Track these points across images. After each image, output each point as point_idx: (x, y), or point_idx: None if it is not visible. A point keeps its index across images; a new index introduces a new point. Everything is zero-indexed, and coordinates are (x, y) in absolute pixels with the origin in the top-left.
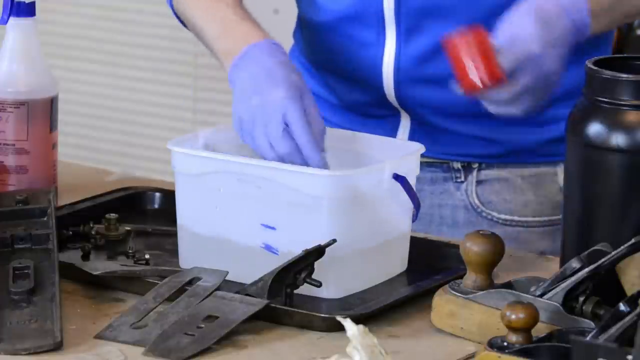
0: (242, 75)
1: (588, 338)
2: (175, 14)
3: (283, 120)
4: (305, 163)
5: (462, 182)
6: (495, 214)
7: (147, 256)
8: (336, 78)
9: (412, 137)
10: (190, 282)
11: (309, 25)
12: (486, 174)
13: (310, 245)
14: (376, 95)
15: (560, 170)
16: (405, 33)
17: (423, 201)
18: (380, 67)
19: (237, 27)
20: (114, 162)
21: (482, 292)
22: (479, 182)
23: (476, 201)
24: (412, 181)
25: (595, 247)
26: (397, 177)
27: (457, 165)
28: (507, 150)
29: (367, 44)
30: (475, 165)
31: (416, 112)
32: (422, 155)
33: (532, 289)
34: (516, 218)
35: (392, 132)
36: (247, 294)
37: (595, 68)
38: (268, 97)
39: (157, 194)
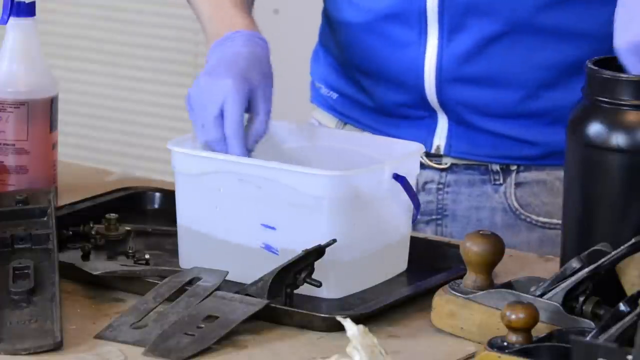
0: (212, 59)
1: (588, 338)
2: None
3: (220, 108)
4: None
5: (500, 184)
6: (534, 216)
7: (147, 256)
8: (371, 79)
9: (450, 138)
10: (190, 282)
11: (342, 25)
12: (525, 176)
13: (310, 245)
14: (415, 95)
15: None
16: (448, 31)
17: (460, 203)
18: (421, 67)
19: (226, 13)
20: (114, 162)
21: (482, 292)
22: (517, 185)
23: (515, 204)
24: (412, 181)
25: (595, 247)
26: (397, 177)
27: (496, 167)
28: (545, 152)
29: (407, 44)
30: (514, 168)
31: (456, 112)
32: (460, 158)
33: (532, 289)
34: (554, 221)
35: (429, 134)
36: (247, 294)
37: (595, 68)
38: (216, 82)
39: (157, 194)
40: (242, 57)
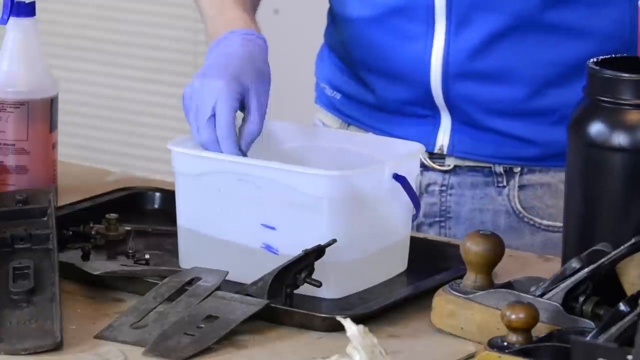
0: (209, 58)
1: (588, 338)
2: None
3: (212, 110)
4: None
5: (504, 186)
6: (537, 219)
7: (147, 256)
8: (376, 75)
9: (453, 138)
10: (190, 282)
11: (347, 21)
12: (528, 178)
13: (310, 245)
14: (421, 91)
15: None
16: (455, 25)
17: (463, 205)
18: (428, 62)
19: (226, 13)
20: (114, 162)
21: (482, 292)
22: (521, 187)
23: (518, 206)
24: (413, 181)
25: (595, 247)
26: (397, 177)
27: (499, 169)
28: (550, 153)
29: (414, 38)
30: (518, 170)
31: (461, 109)
32: (464, 159)
33: (532, 289)
34: (558, 224)
35: (432, 134)
36: (247, 294)
37: (597, 68)
38: (208, 83)
39: (157, 194)
40: (236, 57)
